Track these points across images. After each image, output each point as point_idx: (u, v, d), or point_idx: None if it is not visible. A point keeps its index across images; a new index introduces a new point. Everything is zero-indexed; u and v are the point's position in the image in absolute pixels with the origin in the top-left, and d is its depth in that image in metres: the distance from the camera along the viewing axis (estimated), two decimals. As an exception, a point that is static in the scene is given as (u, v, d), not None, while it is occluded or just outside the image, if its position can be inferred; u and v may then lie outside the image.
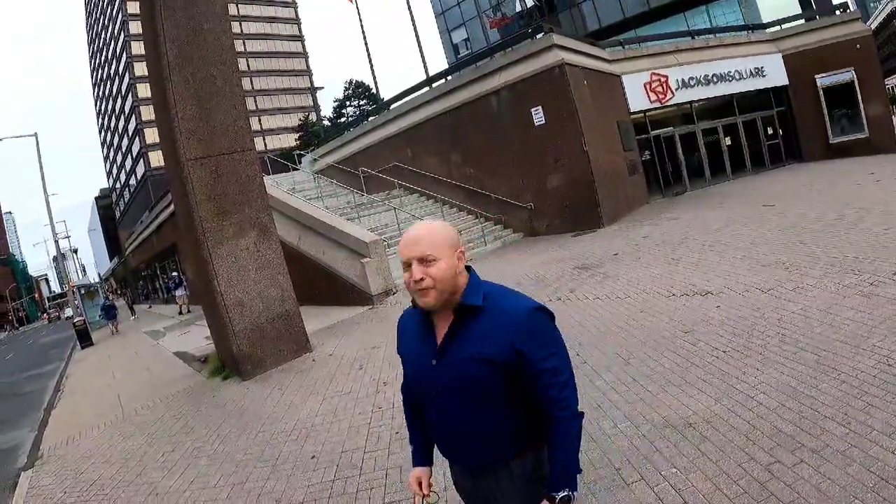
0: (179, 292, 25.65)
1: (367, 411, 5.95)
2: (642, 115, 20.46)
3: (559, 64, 15.72)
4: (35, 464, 7.43)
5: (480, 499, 2.04)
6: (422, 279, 1.79)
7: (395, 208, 16.99)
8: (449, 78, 20.84)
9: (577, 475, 1.84)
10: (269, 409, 6.93)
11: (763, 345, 5.26)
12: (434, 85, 21.01)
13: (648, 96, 20.19)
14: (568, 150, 15.80)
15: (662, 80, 20.41)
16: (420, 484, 2.11)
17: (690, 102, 21.46)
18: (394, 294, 12.62)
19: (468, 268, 1.92)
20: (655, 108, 20.64)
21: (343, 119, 60.64)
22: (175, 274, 29.86)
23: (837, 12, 24.30)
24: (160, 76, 8.90)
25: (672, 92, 20.60)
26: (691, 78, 21.00)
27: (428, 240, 1.82)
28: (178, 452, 6.19)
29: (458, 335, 1.86)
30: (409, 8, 34.25)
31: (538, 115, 16.18)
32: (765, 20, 29.26)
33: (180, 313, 24.49)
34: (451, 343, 1.86)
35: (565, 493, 1.77)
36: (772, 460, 3.47)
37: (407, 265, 1.83)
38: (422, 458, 2.16)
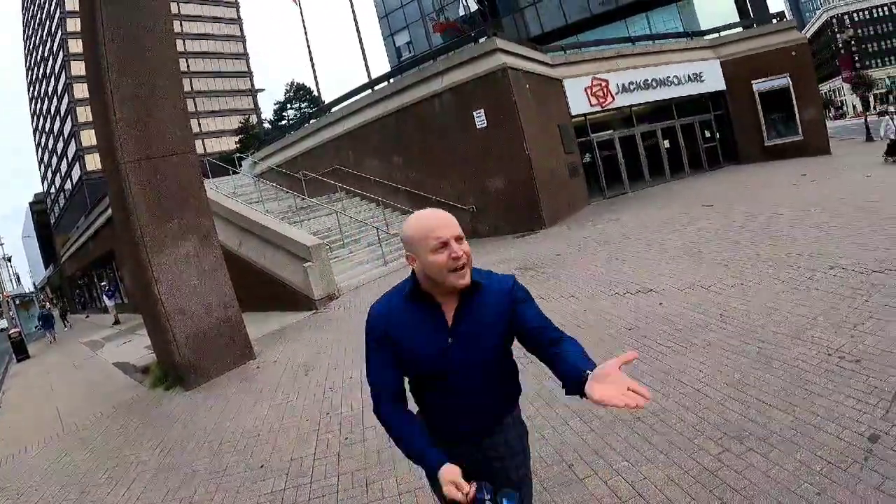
0: (110, 302, 25.01)
1: (314, 418, 5.87)
2: (583, 118, 20.85)
3: (502, 68, 15.89)
4: None
5: (482, 461, 2.14)
6: (462, 255, 1.91)
7: (336, 212, 16.81)
8: (391, 81, 20.75)
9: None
10: (214, 418, 6.76)
11: (706, 340, 5.45)
12: (377, 88, 20.93)
13: (589, 100, 20.60)
14: (509, 153, 15.97)
15: (603, 84, 20.86)
16: (457, 484, 1.87)
17: (630, 106, 22.01)
18: (337, 298, 12.51)
19: None
20: (596, 112, 21.05)
21: (284, 122, 59.85)
22: (104, 284, 29.11)
23: (774, 21, 25.26)
24: (98, 74, 8.59)
25: (612, 96, 21.07)
26: (631, 83, 21.52)
27: (454, 221, 1.96)
28: (123, 467, 5.98)
29: (469, 311, 2.01)
30: (353, 10, 34.06)
31: (480, 118, 16.32)
32: (704, 27, 30.14)
33: (116, 322, 23.80)
34: (463, 320, 2.01)
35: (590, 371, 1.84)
36: (721, 450, 3.60)
37: (443, 245, 1.90)
38: (440, 454, 1.97)
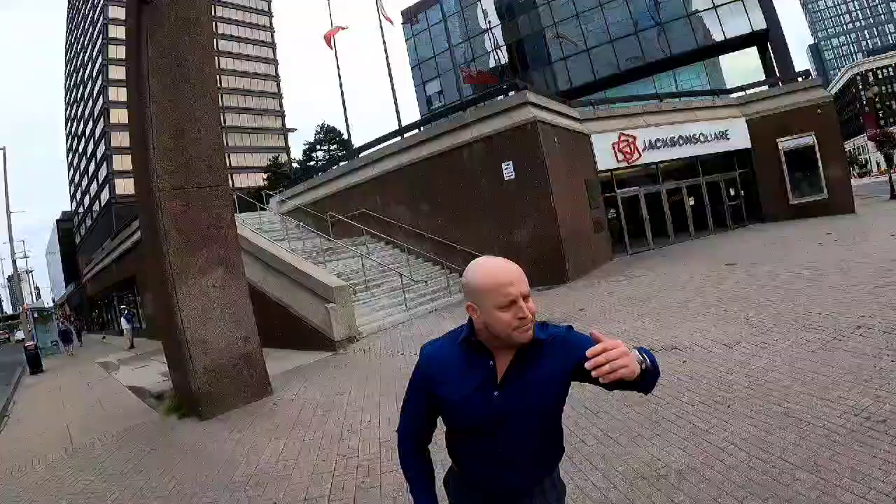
0: (127, 326, 25.18)
1: (330, 458, 5.75)
2: (609, 173, 20.96)
3: (532, 121, 16.11)
4: None
5: None
6: (530, 315, 1.85)
7: (361, 255, 16.90)
8: (422, 129, 21.13)
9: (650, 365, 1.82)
10: (227, 451, 6.63)
11: (731, 398, 5.35)
12: (406, 135, 21.22)
13: (616, 156, 20.75)
14: (536, 205, 16.08)
15: (631, 140, 21.03)
16: None
17: (656, 163, 22.09)
18: (357, 341, 12.46)
19: None
20: (622, 168, 21.17)
21: (313, 163, 60.68)
22: (123, 307, 29.38)
23: (800, 79, 25.43)
24: (141, 103, 8.77)
25: (639, 152, 21.21)
26: (658, 139, 21.68)
27: (524, 276, 1.88)
28: (129, 493, 5.86)
29: (523, 367, 1.93)
30: (387, 58, 34.75)
31: (508, 170, 16.48)
32: (729, 85, 30.42)
33: (131, 346, 23.91)
34: (516, 375, 1.93)
35: (648, 362, 1.79)
36: (745, 509, 3.51)
37: (512, 303, 1.82)
38: (430, 498, 2.13)
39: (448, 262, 17.93)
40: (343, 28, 35.98)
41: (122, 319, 25.87)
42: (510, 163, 16.44)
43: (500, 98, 18.29)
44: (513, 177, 16.44)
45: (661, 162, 22.25)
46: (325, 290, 12.72)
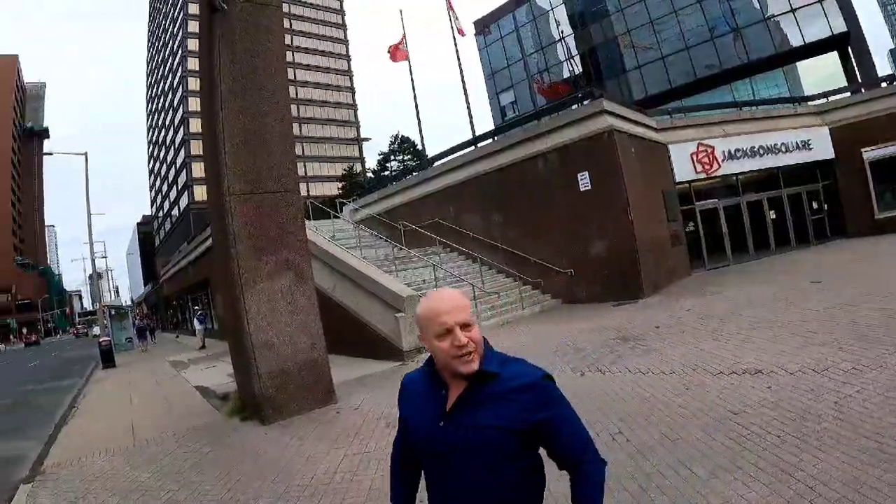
0: (199, 326, 25.77)
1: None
2: (687, 185, 20.19)
3: (608, 130, 15.69)
4: (35, 479, 7.29)
5: None
6: (467, 343, 1.82)
7: (433, 265, 16.86)
8: (496, 139, 20.90)
9: None
10: (286, 458, 6.57)
11: (820, 430, 4.89)
12: (480, 144, 21.11)
13: (695, 167, 19.95)
14: (612, 217, 15.60)
15: (709, 150, 20.19)
16: None
17: (736, 174, 21.15)
18: (426, 351, 12.26)
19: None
20: (700, 179, 20.35)
21: (387, 172, 61.37)
22: (197, 308, 30.20)
23: (884, 84, 24.03)
24: (212, 109, 8.96)
25: (718, 163, 20.33)
26: (738, 149, 20.74)
27: (464, 305, 1.88)
28: (184, 493, 5.89)
29: (471, 400, 1.88)
30: (461, 69, 34.81)
31: (584, 181, 16.06)
32: (807, 92, 29.07)
33: (202, 346, 24.55)
34: (463, 410, 1.89)
35: None
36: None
37: (447, 332, 1.83)
38: None
39: (521, 274, 17.58)
40: (399, 45, 36.07)
41: (195, 320, 26.70)
42: (586, 173, 16.02)
43: (574, 107, 17.94)
44: (589, 188, 16.02)
45: (741, 173, 21.25)
46: (396, 299, 12.64)
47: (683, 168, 19.81)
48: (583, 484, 1.87)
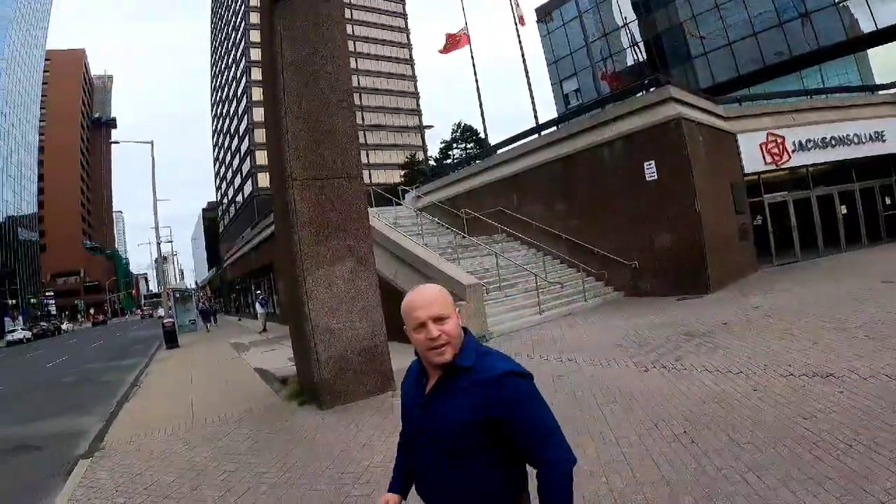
0: (261, 310, 26.24)
1: None
2: (756, 177, 19.47)
3: (676, 118, 15.32)
4: (95, 454, 7.53)
5: None
6: (439, 336, 1.91)
7: (496, 253, 16.77)
8: (559, 126, 20.64)
9: None
10: (342, 444, 6.56)
11: (894, 440, 4.62)
12: (544, 133, 20.88)
13: (764, 158, 19.22)
14: (679, 209, 15.24)
15: (779, 141, 19.40)
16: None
17: (807, 166, 20.26)
18: (487, 341, 12.26)
19: (465, 329, 2.04)
20: (770, 171, 19.61)
21: (449, 160, 61.42)
22: (259, 293, 30.79)
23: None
24: (275, 95, 9.02)
25: (788, 154, 19.51)
26: (809, 140, 19.83)
27: (440, 300, 1.97)
28: (240, 474, 5.98)
29: (444, 392, 1.99)
30: (523, 57, 34.43)
31: (650, 170, 15.74)
32: (879, 81, 27.55)
33: (263, 330, 25.06)
34: (436, 399, 2.00)
35: None
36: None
37: (421, 326, 1.94)
38: (399, 486, 2.30)
39: (584, 265, 17.20)
40: (457, 36, 35.88)
41: (258, 304, 27.26)
42: (652, 162, 15.69)
43: (640, 94, 17.54)
44: (655, 177, 15.69)
45: (812, 165, 20.33)
46: (458, 287, 12.68)
47: (752, 158, 19.12)
48: (540, 482, 1.88)
